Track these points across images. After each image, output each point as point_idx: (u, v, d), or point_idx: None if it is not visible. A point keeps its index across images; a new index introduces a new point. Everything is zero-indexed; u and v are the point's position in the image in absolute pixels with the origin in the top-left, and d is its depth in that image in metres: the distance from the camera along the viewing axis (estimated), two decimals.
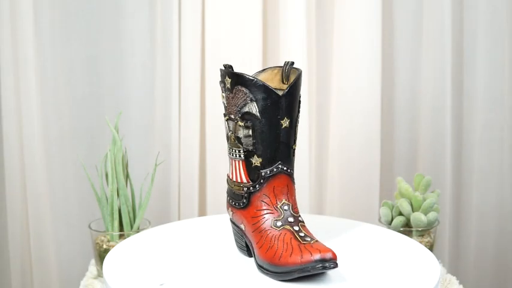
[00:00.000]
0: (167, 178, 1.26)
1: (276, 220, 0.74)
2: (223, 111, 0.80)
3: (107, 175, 0.99)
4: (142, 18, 1.25)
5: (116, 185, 0.97)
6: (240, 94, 0.74)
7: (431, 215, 0.99)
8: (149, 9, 1.25)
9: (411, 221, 0.99)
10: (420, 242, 0.95)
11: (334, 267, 0.68)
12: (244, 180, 0.77)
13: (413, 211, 1.00)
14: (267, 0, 1.26)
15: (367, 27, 1.25)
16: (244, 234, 0.78)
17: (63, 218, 1.27)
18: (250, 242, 0.77)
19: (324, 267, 0.68)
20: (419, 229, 0.98)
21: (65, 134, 1.26)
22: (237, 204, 0.78)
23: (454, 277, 0.97)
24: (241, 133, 0.75)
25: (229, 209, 0.81)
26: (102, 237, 0.97)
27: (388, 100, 1.33)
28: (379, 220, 1.04)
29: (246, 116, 0.74)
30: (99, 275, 0.97)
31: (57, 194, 1.26)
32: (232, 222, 0.81)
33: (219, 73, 0.79)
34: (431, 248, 0.99)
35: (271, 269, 0.72)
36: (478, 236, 1.39)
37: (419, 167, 1.35)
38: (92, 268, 1.01)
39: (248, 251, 0.79)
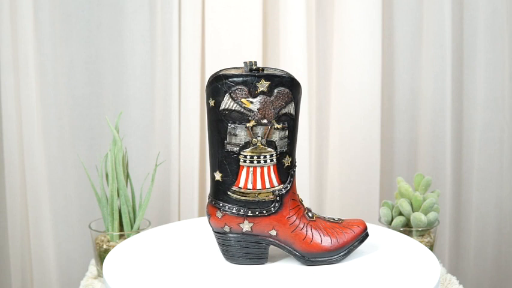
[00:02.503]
0: (167, 178, 1.26)
1: (307, 212, 0.78)
2: (235, 120, 0.74)
3: (107, 175, 0.99)
4: (142, 18, 1.25)
5: (116, 185, 0.97)
6: (282, 95, 0.74)
7: (431, 215, 0.99)
8: (149, 9, 1.25)
9: (411, 221, 0.99)
10: (420, 242, 0.95)
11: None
12: (276, 184, 0.76)
13: (413, 211, 1.00)
14: (267, 0, 1.26)
15: (367, 27, 1.25)
16: (276, 239, 0.77)
17: (63, 218, 1.27)
18: (287, 244, 0.76)
19: (367, 234, 0.79)
20: (419, 229, 0.98)
21: (65, 134, 1.26)
22: (264, 211, 0.75)
23: (454, 277, 0.97)
24: (277, 136, 0.74)
25: (246, 221, 0.76)
26: (102, 237, 0.97)
27: (388, 100, 1.33)
28: (379, 220, 1.05)
29: (283, 118, 0.74)
30: (99, 275, 0.98)
31: (57, 194, 1.26)
32: (246, 234, 0.77)
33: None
34: (431, 248, 0.99)
35: (334, 254, 0.76)
36: (478, 236, 1.39)
37: (419, 167, 1.35)
38: (92, 268, 1.01)
39: (264, 258, 0.78)
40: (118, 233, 0.97)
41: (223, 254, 0.79)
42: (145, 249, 0.83)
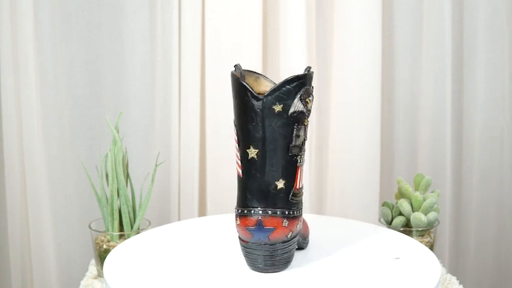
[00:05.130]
0: (167, 178, 1.26)
1: None
2: (301, 119, 0.72)
3: (107, 175, 0.99)
4: (142, 18, 1.25)
5: (116, 185, 0.97)
6: (312, 94, 0.74)
7: (431, 215, 0.99)
8: (149, 9, 1.25)
9: (411, 221, 0.99)
10: (420, 242, 0.95)
11: None
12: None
13: (413, 211, 1.00)
14: (267, 0, 1.26)
15: (367, 27, 1.25)
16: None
17: (63, 218, 1.27)
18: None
19: None
20: (419, 229, 0.98)
21: (65, 134, 1.26)
22: (301, 209, 0.75)
23: (454, 277, 0.97)
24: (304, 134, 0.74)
25: (299, 221, 0.74)
26: (102, 237, 0.97)
27: (388, 100, 1.33)
28: (379, 220, 1.05)
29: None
30: (99, 275, 0.97)
31: (57, 194, 1.26)
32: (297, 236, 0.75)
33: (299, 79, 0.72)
34: (431, 248, 0.99)
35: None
36: (478, 236, 1.39)
37: (419, 167, 1.35)
38: (92, 268, 1.01)
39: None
40: (118, 233, 0.97)
41: (273, 265, 0.75)
42: (146, 250, 0.83)
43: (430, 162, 1.33)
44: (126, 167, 1.00)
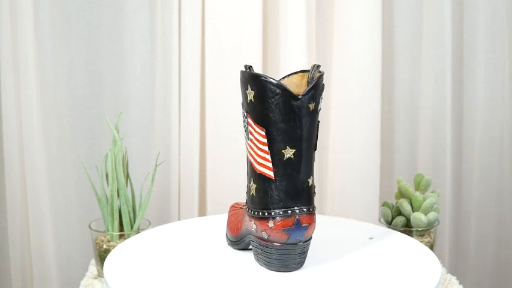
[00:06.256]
0: (167, 178, 1.26)
1: None
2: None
3: (107, 175, 0.99)
4: (142, 18, 1.25)
5: (116, 185, 0.97)
6: None
7: (431, 215, 0.99)
8: (149, 9, 1.25)
9: (411, 221, 0.99)
10: (420, 242, 0.95)
11: None
12: None
13: (413, 211, 1.00)
14: (267, 0, 1.26)
15: (367, 27, 1.25)
16: None
17: (63, 218, 1.27)
18: None
19: None
20: (419, 229, 0.98)
21: (65, 134, 1.26)
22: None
23: (454, 277, 0.97)
24: None
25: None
26: (102, 237, 0.97)
27: (388, 100, 1.33)
28: (379, 220, 1.04)
29: None
30: (99, 275, 0.97)
31: (57, 194, 1.26)
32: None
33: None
34: (431, 248, 0.99)
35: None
36: (478, 236, 1.39)
37: (419, 167, 1.35)
38: (92, 268, 1.01)
39: None
40: (118, 233, 0.97)
41: (300, 263, 0.75)
42: (146, 249, 0.83)
43: (430, 162, 1.33)
44: (126, 167, 1.00)
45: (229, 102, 1.23)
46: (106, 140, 1.26)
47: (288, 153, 0.71)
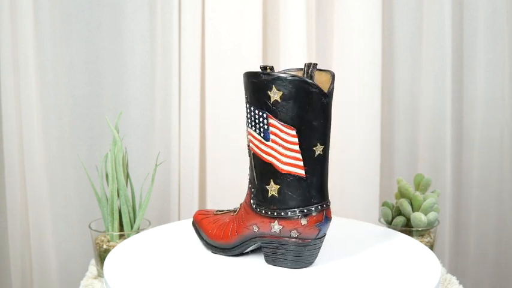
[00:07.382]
0: (167, 178, 1.26)
1: None
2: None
3: (107, 175, 0.99)
4: (142, 18, 1.25)
5: (116, 185, 0.97)
6: None
7: (431, 215, 0.99)
8: (149, 9, 1.25)
9: (411, 221, 0.99)
10: (420, 242, 0.95)
11: None
12: None
13: (413, 211, 1.00)
14: (267, 0, 1.26)
15: (367, 27, 1.25)
16: None
17: (63, 218, 1.27)
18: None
19: None
20: (419, 229, 0.98)
21: (65, 134, 1.26)
22: None
23: (454, 277, 0.97)
24: None
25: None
26: (102, 237, 0.97)
27: (388, 100, 1.33)
28: (379, 220, 1.05)
29: None
30: (99, 275, 0.97)
31: (57, 194, 1.26)
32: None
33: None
34: (431, 248, 0.99)
35: None
36: (478, 236, 1.39)
37: (419, 167, 1.35)
38: (92, 268, 1.01)
39: None
40: (118, 233, 0.97)
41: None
42: (146, 249, 0.83)
43: (430, 162, 1.33)
44: (126, 167, 1.00)
45: (229, 102, 1.23)
46: (106, 140, 1.26)
47: (318, 150, 0.71)
